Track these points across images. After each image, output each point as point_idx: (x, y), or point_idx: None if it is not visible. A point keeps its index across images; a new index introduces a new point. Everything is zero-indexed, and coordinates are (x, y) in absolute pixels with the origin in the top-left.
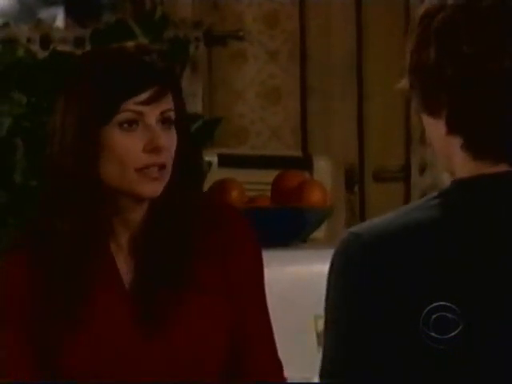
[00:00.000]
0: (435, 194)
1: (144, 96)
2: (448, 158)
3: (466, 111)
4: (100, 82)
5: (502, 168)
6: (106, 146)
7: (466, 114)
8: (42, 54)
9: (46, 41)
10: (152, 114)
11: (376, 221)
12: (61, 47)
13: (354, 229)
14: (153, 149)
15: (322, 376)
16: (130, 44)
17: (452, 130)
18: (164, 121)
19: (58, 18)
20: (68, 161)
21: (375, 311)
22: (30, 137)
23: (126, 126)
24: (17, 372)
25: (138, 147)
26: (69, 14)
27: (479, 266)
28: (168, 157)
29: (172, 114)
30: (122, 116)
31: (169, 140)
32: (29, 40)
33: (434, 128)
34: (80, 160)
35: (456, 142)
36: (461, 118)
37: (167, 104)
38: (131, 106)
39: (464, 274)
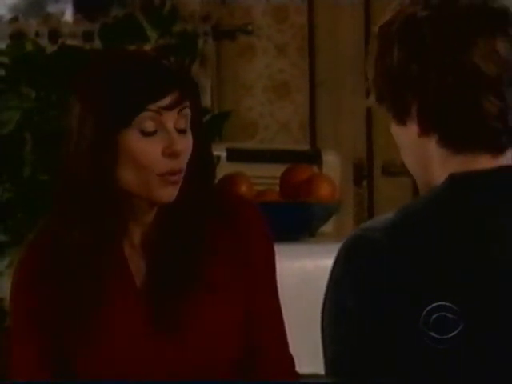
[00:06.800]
0: (432, 193)
1: (165, 101)
2: (424, 164)
3: (436, 106)
4: (120, 86)
5: (485, 159)
6: (124, 151)
7: (437, 109)
8: (50, 49)
9: (54, 35)
10: (171, 119)
11: (377, 220)
12: (69, 41)
13: (359, 229)
14: (171, 153)
15: (326, 375)
16: (147, 48)
17: (425, 128)
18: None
19: (67, 12)
20: (85, 165)
21: (375, 311)
22: (38, 131)
23: (146, 131)
24: (34, 374)
25: (157, 151)
26: (77, 8)
27: (479, 265)
28: (185, 160)
29: (189, 118)
30: (141, 121)
31: (185, 143)
32: (37, 34)
33: (406, 134)
34: (97, 164)
35: (431, 142)
36: (432, 114)
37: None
38: (151, 111)
39: (464, 273)
